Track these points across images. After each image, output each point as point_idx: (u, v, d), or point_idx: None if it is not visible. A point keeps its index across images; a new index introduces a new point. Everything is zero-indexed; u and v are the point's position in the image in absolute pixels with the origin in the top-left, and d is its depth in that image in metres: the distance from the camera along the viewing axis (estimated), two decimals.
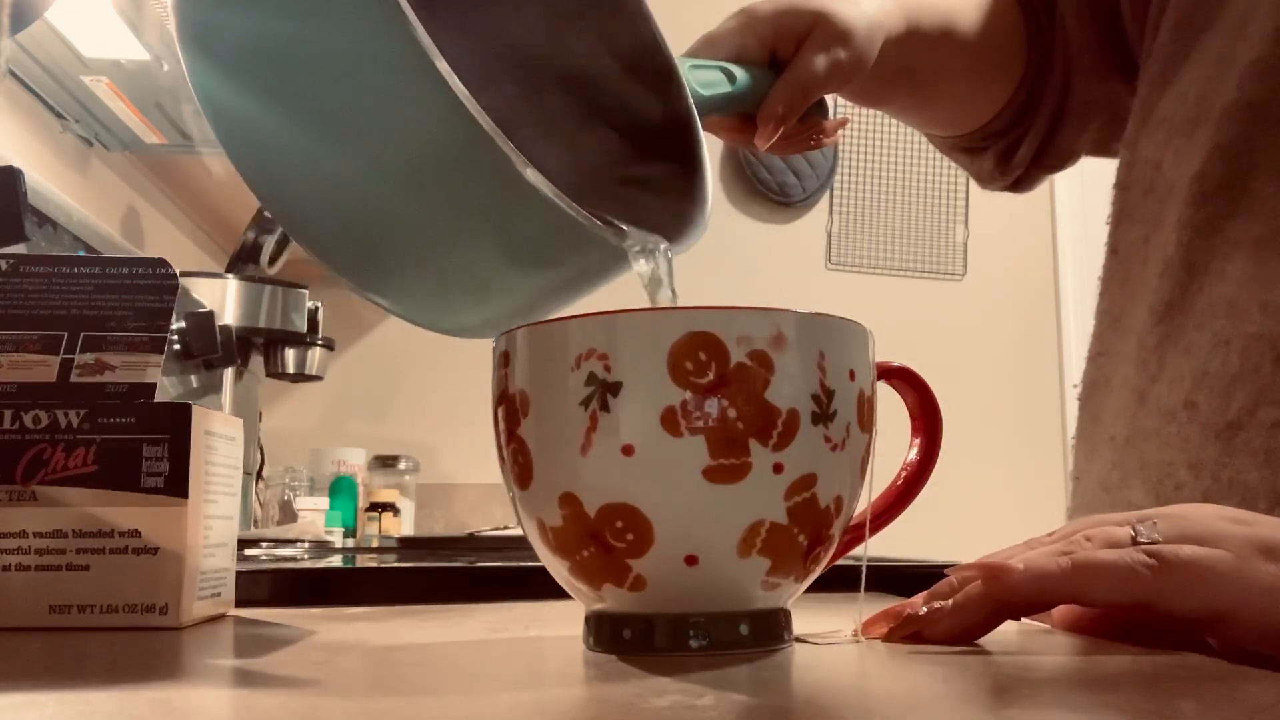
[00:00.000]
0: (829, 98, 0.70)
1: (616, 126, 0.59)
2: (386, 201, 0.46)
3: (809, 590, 0.40)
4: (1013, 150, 0.79)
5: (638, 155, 0.59)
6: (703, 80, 0.61)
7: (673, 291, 0.50)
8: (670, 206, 0.56)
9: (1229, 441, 0.52)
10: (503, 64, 0.58)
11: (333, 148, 0.45)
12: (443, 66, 0.41)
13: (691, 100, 0.59)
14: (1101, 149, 0.78)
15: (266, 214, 1.63)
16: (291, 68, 0.45)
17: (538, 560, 0.40)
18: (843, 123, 0.71)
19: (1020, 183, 0.82)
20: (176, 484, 0.46)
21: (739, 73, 0.63)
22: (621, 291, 0.50)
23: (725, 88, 0.62)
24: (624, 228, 0.50)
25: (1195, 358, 0.55)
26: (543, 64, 0.59)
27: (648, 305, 0.50)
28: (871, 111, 2.31)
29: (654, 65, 0.59)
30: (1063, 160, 0.80)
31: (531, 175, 0.44)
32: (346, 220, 0.47)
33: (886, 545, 0.58)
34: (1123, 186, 0.66)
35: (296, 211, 0.48)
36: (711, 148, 0.59)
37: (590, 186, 0.54)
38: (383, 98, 0.43)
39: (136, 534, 0.46)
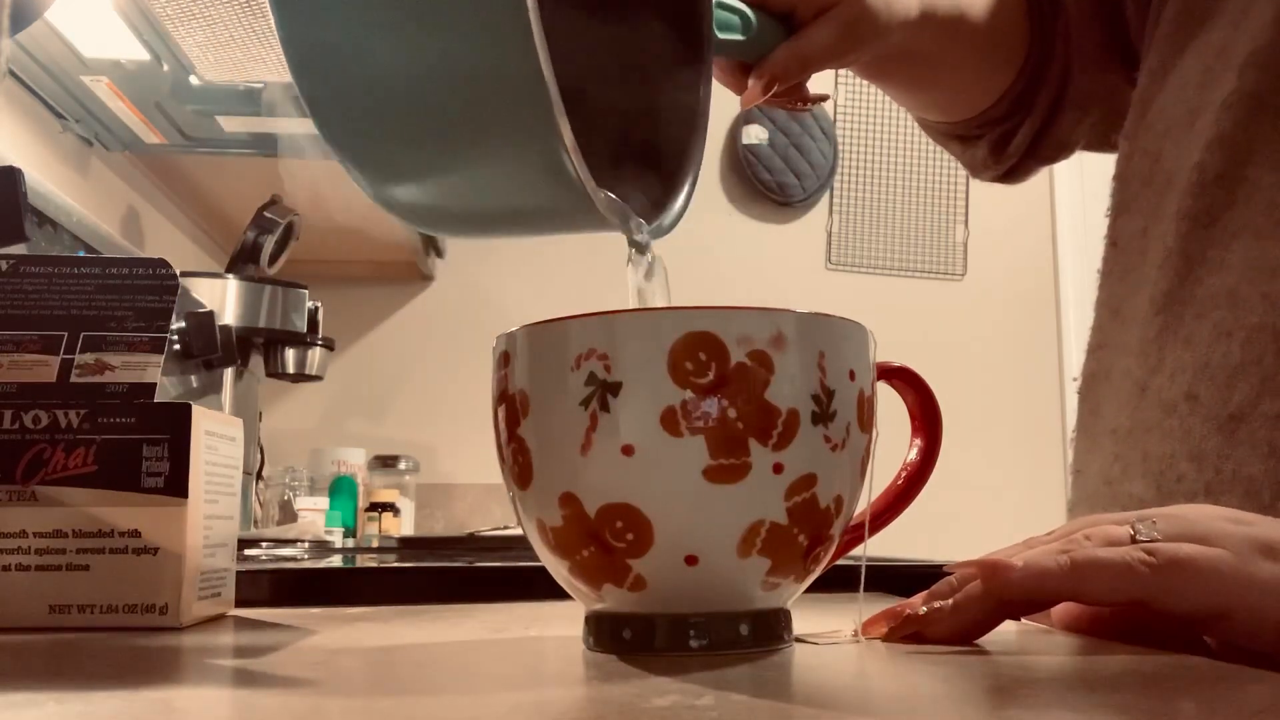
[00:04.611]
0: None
1: (630, 65, 0.58)
2: (427, 101, 0.44)
3: (809, 590, 0.40)
4: (1008, 139, 0.78)
5: (643, 100, 0.58)
6: (720, 20, 0.61)
7: (666, 292, 0.50)
8: (662, 168, 0.56)
9: (1231, 433, 0.52)
10: None
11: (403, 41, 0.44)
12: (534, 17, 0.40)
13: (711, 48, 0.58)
14: (1099, 143, 0.78)
15: (266, 214, 1.63)
16: None
17: (538, 560, 0.40)
18: (824, 98, 0.71)
19: (1013, 173, 0.81)
20: (176, 484, 0.46)
21: (755, 22, 0.62)
22: (621, 290, 0.50)
23: (738, 35, 0.62)
24: (621, 202, 0.50)
25: (1196, 349, 0.55)
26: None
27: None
28: (872, 112, 2.31)
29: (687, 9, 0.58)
30: (1057, 151, 0.79)
31: (568, 139, 0.43)
32: (375, 101, 0.46)
33: (886, 545, 0.58)
34: (1121, 178, 0.66)
35: (322, 71, 0.46)
36: (711, 145, 0.59)
37: (594, 125, 0.53)
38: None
39: (136, 534, 0.46)
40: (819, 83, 0.69)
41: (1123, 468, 0.58)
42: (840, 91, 2.31)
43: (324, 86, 0.45)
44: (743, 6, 0.62)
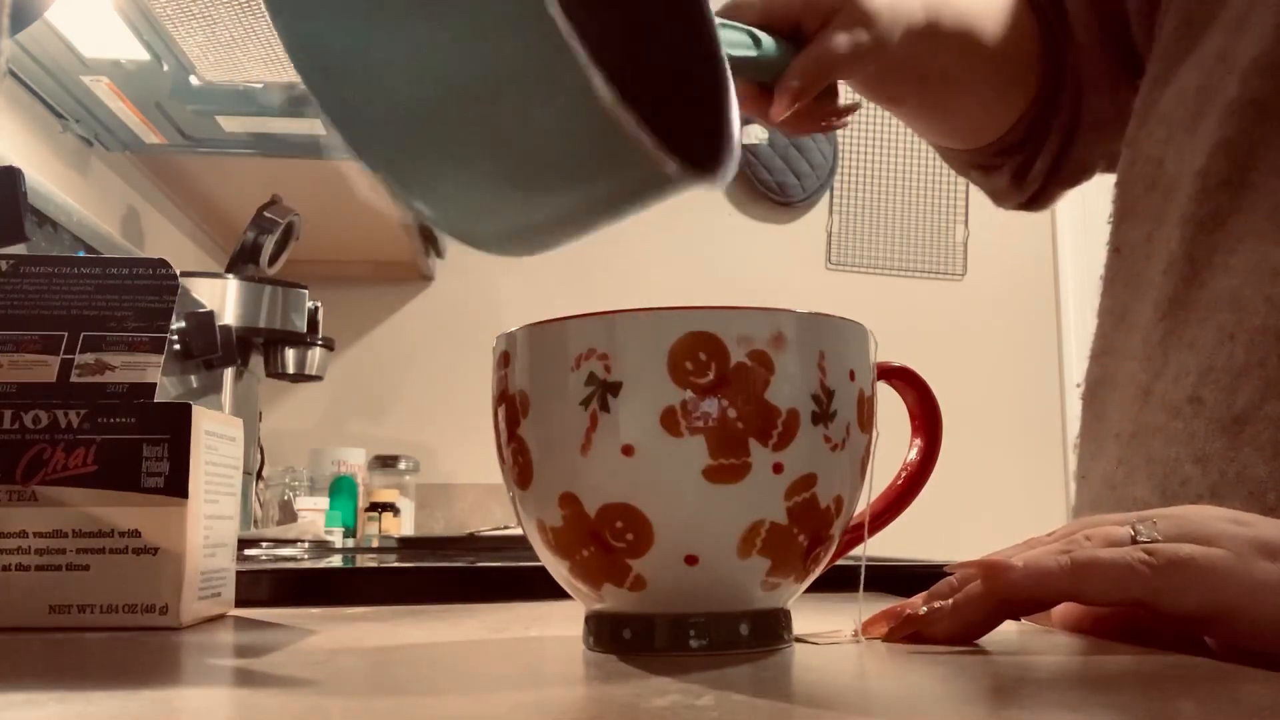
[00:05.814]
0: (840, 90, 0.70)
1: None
2: (455, 91, 0.44)
3: (809, 590, 0.40)
4: (1028, 166, 0.79)
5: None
6: (729, 40, 0.60)
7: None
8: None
9: (1235, 435, 0.52)
10: None
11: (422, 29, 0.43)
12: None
13: (724, 55, 0.58)
14: (1116, 163, 0.78)
15: (266, 214, 1.63)
16: None
17: (538, 560, 0.40)
18: (855, 107, 0.70)
19: (1036, 199, 0.82)
20: (176, 484, 0.46)
21: (765, 39, 0.62)
22: (620, 290, 0.50)
23: (750, 51, 0.61)
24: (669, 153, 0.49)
25: (1200, 352, 0.55)
26: None
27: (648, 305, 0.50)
28: (872, 111, 2.30)
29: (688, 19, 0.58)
30: (1078, 174, 0.80)
31: (599, 85, 0.42)
32: (408, 110, 0.45)
33: (886, 545, 0.58)
34: (1123, 184, 0.66)
35: (355, 99, 0.45)
36: None
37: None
38: None
39: (136, 534, 0.46)
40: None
41: (1127, 472, 0.59)
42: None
43: (339, 94, 0.44)
44: (748, 26, 0.62)
